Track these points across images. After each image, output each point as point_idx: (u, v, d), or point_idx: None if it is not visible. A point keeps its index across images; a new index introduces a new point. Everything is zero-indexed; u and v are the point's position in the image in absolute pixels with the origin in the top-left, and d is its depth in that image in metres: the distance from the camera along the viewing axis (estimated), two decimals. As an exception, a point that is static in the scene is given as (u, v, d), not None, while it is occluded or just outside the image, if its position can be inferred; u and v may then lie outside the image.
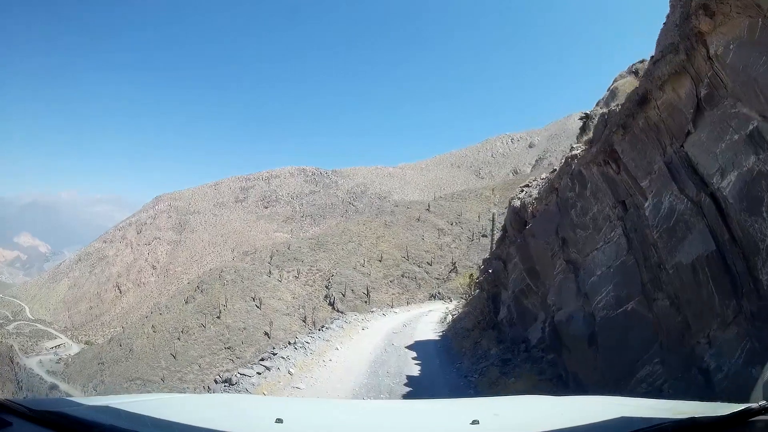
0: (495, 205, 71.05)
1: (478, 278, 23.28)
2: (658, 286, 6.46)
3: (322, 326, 22.39)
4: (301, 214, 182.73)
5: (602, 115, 8.67)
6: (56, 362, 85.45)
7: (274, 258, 72.13)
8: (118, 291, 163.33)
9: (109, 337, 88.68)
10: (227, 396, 6.21)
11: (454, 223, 74.59)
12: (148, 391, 42.77)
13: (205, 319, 58.43)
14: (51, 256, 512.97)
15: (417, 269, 62.80)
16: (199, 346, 54.18)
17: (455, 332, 19.49)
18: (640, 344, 6.70)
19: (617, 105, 8.16)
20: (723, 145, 5.32)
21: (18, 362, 79.84)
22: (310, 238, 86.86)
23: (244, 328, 54.63)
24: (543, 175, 15.06)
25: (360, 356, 15.40)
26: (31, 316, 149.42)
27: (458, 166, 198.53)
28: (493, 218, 42.94)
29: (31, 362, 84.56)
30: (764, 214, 4.68)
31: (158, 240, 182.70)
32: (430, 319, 26.68)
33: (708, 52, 5.56)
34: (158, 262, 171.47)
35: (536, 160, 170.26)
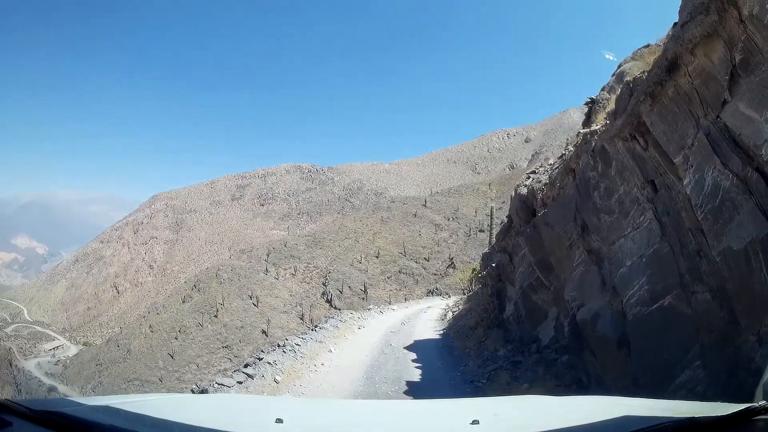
0: (492, 200, 71.24)
1: (480, 273, 22.07)
2: (698, 277, 5.73)
3: (316, 326, 21.18)
4: (298, 212, 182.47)
5: (627, 83, 7.51)
6: (54, 364, 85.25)
7: (270, 256, 72.09)
8: (115, 291, 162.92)
9: (107, 337, 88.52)
10: (227, 396, 6.27)
11: (451, 219, 74.60)
12: (147, 392, 42.68)
13: (202, 318, 58.33)
14: (48, 257, 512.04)
15: (414, 265, 62.74)
16: (196, 346, 54.07)
17: (457, 330, 18.62)
18: (678, 345, 5.91)
19: (643, 73, 7.04)
20: (767, 113, 4.73)
21: (16, 365, 79.95)
22: (307, 235, 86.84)
23: (242, 327, 54.56)
24: (550, 161, 14.15)
25: (355, 359, 14.20)
26: (29, 318, 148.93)
27: (454, 162, 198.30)
28: (491, 212, 43.04)
29: (30, 364, 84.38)
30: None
31: (155, 239, 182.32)
32: (429, 317, 25.44)
33: (741, 13, 4.96)
34: (155, 262, 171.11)
35: (532, 155, 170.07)
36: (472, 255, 58.51)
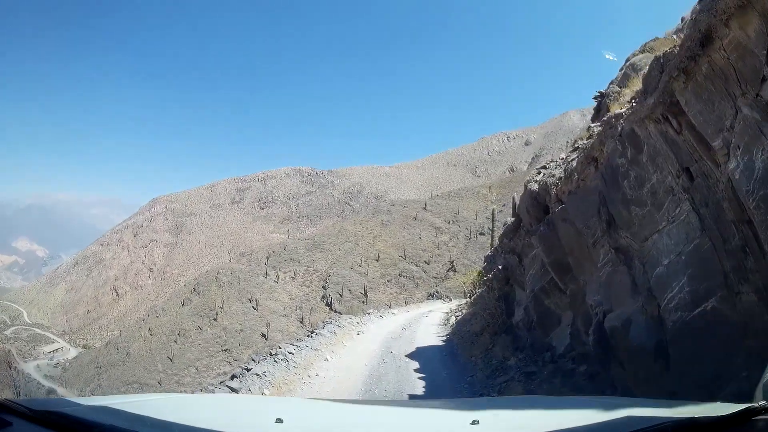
0: (492, 203, 71.20)
1: (485, 276, 21.19)
2: (743, 276, 5.08)
3: (312, 331, 19.76)
4: (298, 215, 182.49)
5: (656, 58, 6.61)
6: (54, 366, 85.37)
7: (270, 259, 71.98)
8: (115, 294, 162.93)
9: (106, 340, 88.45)
10: (227, 396, 6.45)
11: (452, 222, 74.47)
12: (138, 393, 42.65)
13: (201, 321, 58.19)
14: (49, 260, 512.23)
15: (415, 268, 62.63)
16: (195, 349, 53.89)
17: (461, 336, 17.61)
18: (722, 354, 5.21)
19: (674, 47, 6.24)
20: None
21: (16, 367, 79.89)
22: (307, 238, 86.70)
23: (241, 330, 54.39)
24: (562, 155, 13.19)
25: (353, 369, 13.30)
26: (28, 321, 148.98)
27: (454, 165, 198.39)
28: (492, 214, 42.92)
29: (29, 367, 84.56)
30: None
31: (155, 242, 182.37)
32: (430, 321, 24.41)
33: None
34: (155, 265, 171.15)
35: (532, 158, 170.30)
36: (472, 258, 58.44)
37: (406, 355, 15.11)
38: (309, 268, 66.99)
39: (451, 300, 37.69)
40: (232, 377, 11.95)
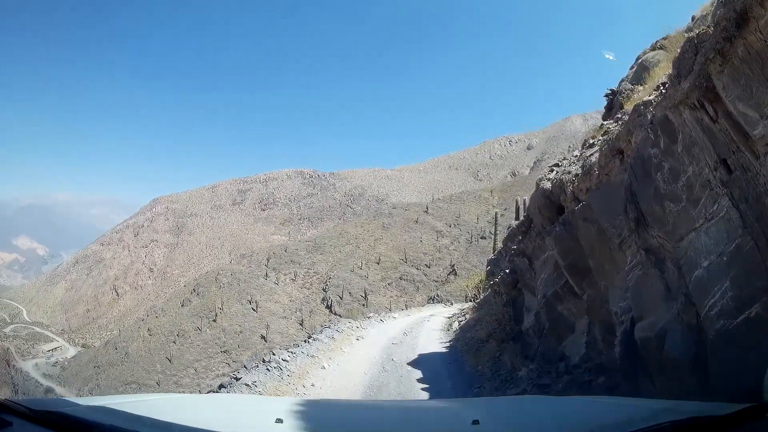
0: (494, 206, 71.12)
1: (491, 280, 20.27)
2: None
3: (309, 336, 18.91)
4: (299, 217, 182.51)
5: (689, 39, 5.99)
6: (52, 365, 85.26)
7: (270, 261, 71.90)
8: (115, 294, 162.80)
9: (105, 340, 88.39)
10: (227, 396, 6.46)
11: (453, 225, 74.33)
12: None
13: (201, 322, 58.09)
14: (49, 258, 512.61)
15: (415, 272, 62.52)
16: (194, 350, 53.78)
17: (465, 343, 16.66)
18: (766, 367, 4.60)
19: (708, 27, 5.62)
20: None
21: (14, 365, 79.73)
22: (307, 240, 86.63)
23: (241, 332, 54.30)
24: (576, 152, 12.44)
25: (351, 378, 12.59)
26: (28, 319, 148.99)
27: (456, 169, 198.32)
28: (495, 218, 42.84)
29: (28, 365, 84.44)
30: None
31: (155, 243, 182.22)
32: (432, 326, 23.37)
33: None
34: (155, 265, 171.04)
35: (534, 162, 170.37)
36: (473, 262, 58.31)
37: (407, 363, 14.39)
38: (309, 271, 66.94)
39: (452, 304, 37.25)
40: (220, 386, 11.75)
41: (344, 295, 57.55)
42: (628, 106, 9.13)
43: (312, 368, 13.12)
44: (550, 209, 11.47)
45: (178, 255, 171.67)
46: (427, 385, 12.05)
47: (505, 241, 19.88)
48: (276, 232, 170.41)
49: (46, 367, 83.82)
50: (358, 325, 22.37)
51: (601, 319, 8.57)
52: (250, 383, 10.92)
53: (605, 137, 9.39)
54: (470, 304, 25.90)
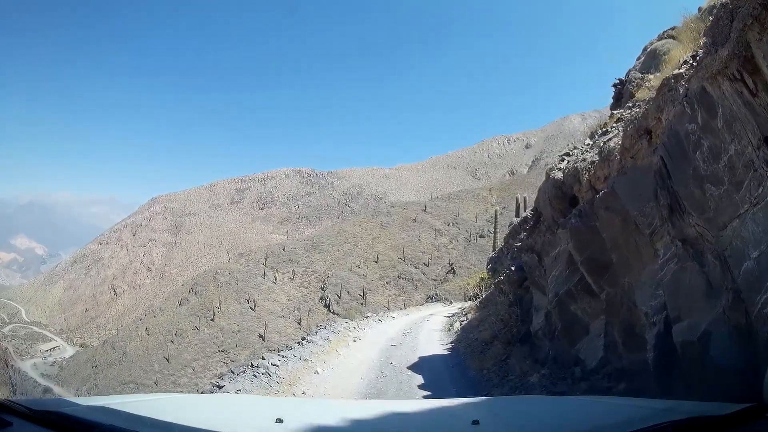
0: (492, 205, 70.98)
1: (496, 278, 19.16)
2: None
3: (303, 338, 17.59)
4: (297, 216, 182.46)
5: (723, 4, 5.25)
6: (50, 365, 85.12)
7: (268, 259, 71.85)
8: (113, 293, 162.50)
9: (103, 339, 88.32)
10: (227, 396, 6.29)
11: (451, 224, 74.34)
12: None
13: (198, 321, 58.13)
14: (48, 258, 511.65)
15: (414, 270, 62.51)
16: (192, 349, 53.78)
17: (468, 344, 15.79)
18: None
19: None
20: None
21: (13, 365, 79.60)
22: (305, 239, 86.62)
23: (239, 331, 54.29)
24: (587, 141, 11.57)
25: (347, 385, 11.67)
26: (26, 319, 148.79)
27: (454, 168, 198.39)
28: (495, 215, 42.74)
29: (26, 365, 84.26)
30: None
31: (153, 242, 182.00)
32: (432, 326, 22.52)
33: None
34: (153, 264, 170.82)
35: (533, 161, 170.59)
36: (472, 260, 58.29)
37: (407, 367, 13.49)
38: (307, 269, 66.90)
39: (451, 303, 36.96)
40: (201, 393, 10.66)
41: (342, 294, 57.51)
42: (641, 95, 8.81)
43: (304, 374, 12.17)
44: (562, 201, 10.74)
45: (176, 254, 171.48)
46: (429, 393, 11.20)
47: (507, 239, 19.39)
48: (274, 231, 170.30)
49: (44, 367, 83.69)
50: (356, 326, 21.41)
51: (621, 320, 7.81)
52: (232, 392, 9.78)
53: (630, 115, 8.42)
54: (471, 303, 25.42)
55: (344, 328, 19.87)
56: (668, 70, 7.40)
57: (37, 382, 74.07)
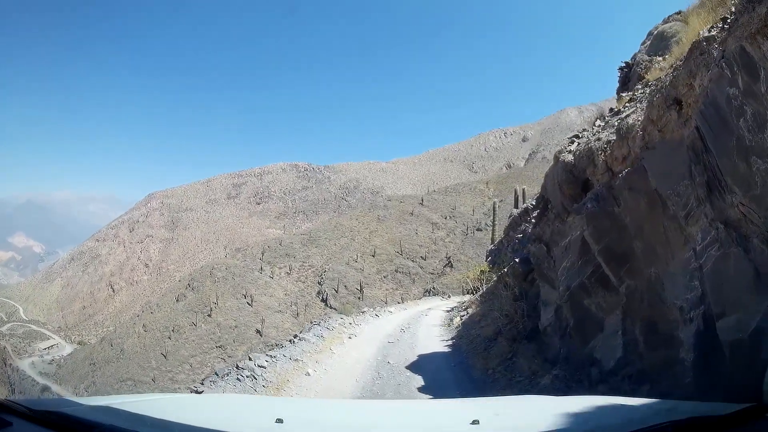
0: (490, 198, 70.93)
1: (499, 271, 18.45)
2: None
3: (295, 336, 16.58)
4: (294, 210, 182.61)
5: None
6: (48, 363, 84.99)
7: (265, 254, 71.83)
8: (111, 290, 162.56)
9: (101, 336, 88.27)
10: (227, 396, 6.38)
11: (448, 217, 74.26)
12: (139, 392, 42.30)
13: (196, 317, 58.04)
14: (45, 256, 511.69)
15: (411, 264, 62.43)
16: (190, 346, 53.74)
17: (470, 341, 14.95)
18: None
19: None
20: None
21: (11, 364, 79.84)
22: (302, 233, 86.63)
23: (236, 326, 54.25)
24: (596, 123, 10.78)
25: (340, 388, 10.75)
26: (24, 317, 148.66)
27: (451, 161, 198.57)
28: (494, 208, 42.56)
29: (24, 364, 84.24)
30: None
31: (151, 238, 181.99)
32: (431, 321, 21.49)
33: None
34: (151, 260, 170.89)
35: (529, 154, 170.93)
36: (469, 254, 58.30)
37: (406, 367, 12.56)
38: (304, 264, 66.82)
39: (449, 297, 36.69)
40: None
41: (340, 289, 57.47)
42: (650, 76, 8.39)
43: (294, 375, 11.24)
44: (574, 185, 9.86)
45: (173, 250, 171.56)
46: (431, 397, 10.23)
47: (507, 230, 19.03)
48: (271, 226, 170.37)
49: (42, 365, 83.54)
50: (351, 321, 20.32)
51: (643, 316, 6.99)
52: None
53: (657, 83, 7.58)
54: (470, 296, 24.84)
55: (339, 324, 18.86)
56: (689, 39, 6.73)
57: (35, 380, 73.97)
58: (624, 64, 12.78)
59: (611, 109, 10.52)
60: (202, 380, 11.71)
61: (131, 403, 2.76)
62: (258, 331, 52.01)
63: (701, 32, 6.05)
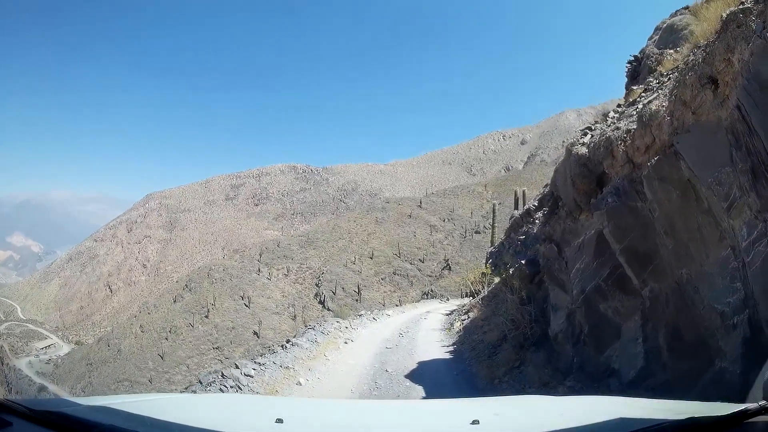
0: (488, 201, 70.86)
1: (504, 274, 17.09)
2: None
3: (287, 341, 15.52)
4: (292, 212, 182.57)
5: None
6: (46, 363, 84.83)
7: (263, 256, 71.72)
8: (108, 290, 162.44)
9: (98, 337, 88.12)
10: (227, 396, 6.33)
11: (447, 220, 74.24)
12: (136, 393, 42.29)
13: (193, 318, 58.00)
14: (44, 255, 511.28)
15: (409, 266, 62.38)
16: (187, 347, 53.68)
17: (473, 348, 14.16)
18: None
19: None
20: None
21: (8, 363, 79.59)
22: (300, 235, 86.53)
23: (233, 328, 54.18)
24: (611, 115, 9.98)
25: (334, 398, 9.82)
26: (22, 316, 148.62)
27: (450, 163, 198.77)
28: (493, 209, 42.42)
29: (21, 363, 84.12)
30: None
31: (149, 238, 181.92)
32: (430, 325, 20.65)
33: None
34: (149, 261, 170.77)
35: (528, 157, 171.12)
36: (468, 256, 58.26)
37: (405, 375, 11.76)
38: (302, 266, 66.76)
39: (448, 300, 36.44)
40: None
41: (337, 291, 57.44)
42: (663, 67, 8.17)
43: (284, 385, 10.54)
44: (588, 180, 9.10)
45: (171, 250, 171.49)
46: None
47: (508, 232, 18.60)
48: (269, 227, 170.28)
49: (39, 365, 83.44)
50: (348, 325, 19.50)
51: (668, 321, 6.40)
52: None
53: (685, 64, 6.71)
54: (470, 300, 24.04)
55: (335, 328, 18.11)
56: (713, 16, 6.29)
57: (32, 380, 73.90)
58: (633, 58, 12.64)
59: (619, 105, 10.11)
60: (185, 388, 11.57)
61: (131, 403, 2.76)
62: (255, 333, 52.04)
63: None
